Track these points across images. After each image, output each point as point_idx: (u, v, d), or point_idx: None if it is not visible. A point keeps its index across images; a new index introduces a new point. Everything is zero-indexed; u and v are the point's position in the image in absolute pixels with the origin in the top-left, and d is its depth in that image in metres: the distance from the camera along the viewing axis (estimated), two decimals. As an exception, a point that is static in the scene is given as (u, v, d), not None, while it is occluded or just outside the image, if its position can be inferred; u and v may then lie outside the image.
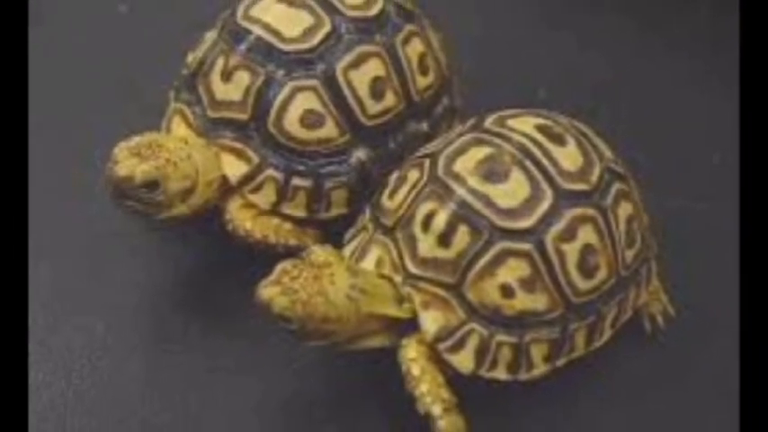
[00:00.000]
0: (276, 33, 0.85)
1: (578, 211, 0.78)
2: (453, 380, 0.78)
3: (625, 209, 0.80)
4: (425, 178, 0.79)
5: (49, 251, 0.89)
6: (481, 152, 0.78)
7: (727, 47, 0.94)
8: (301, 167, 0.85)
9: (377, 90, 0.86)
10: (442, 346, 0.77)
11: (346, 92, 0.85)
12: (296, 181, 0.85)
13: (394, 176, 0.82)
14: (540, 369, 0.79)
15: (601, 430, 0.81)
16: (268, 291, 0.75)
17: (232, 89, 0.85)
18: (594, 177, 0.79)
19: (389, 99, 0.87)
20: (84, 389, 0.83)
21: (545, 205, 0.77)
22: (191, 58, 0.89)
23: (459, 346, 0.77)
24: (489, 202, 0.76)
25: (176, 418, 0.82)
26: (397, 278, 0.78)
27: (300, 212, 0.86)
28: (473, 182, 0.77)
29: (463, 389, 0.78)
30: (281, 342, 0.79)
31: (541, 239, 0.77)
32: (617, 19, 1.09)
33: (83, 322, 0.86)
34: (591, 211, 0.78)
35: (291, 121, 0.85)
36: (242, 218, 0.85)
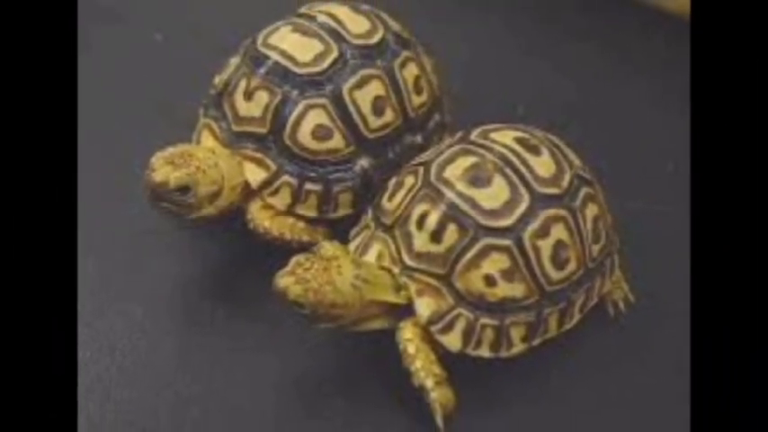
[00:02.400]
0: (291, 58, 0.85)
1: (551, 211, 0.78)
2: (444, 357, 0.78)
3: (592, 210, 0.80)
4: (420, 183, 0.79)
5: (95, 247, 0.89)
6: (468, 161, 0.78)
7: (679, 70, 0.93)
8: (313, 174, 0.85)
9: (378, 107, 0.86)
10: (434, 328, 0.77)
11: (351, 109, 0.85)
12: (308, 186, 0.86)
13: (392, 182, 0.82)
14: (519, 348, 0.79)
15: (570, 401, 0.81)
16: (284, 280, 0.75)
17: (253, 107, 0.85)
18: (565, 183, 0.79)
19: (389, 115, 0.87)
20: (125, 365, 0.83)
21: (523, 207, 0.77)
22: (217, 79, 0.89)
23: (448, 328, 0.77)
24: (475, 204, 0.77)
25: (205, 390, 0.82)
26: (396, 269, 0.78)
27: (312, 213, 0.86)
28: (461, 186, 0.77)
29: (452, 365, 0.78)
30: (296, 325, 0.79)
31: (520, 236, 0.77)
32: (585, 47, 1.09)
33: (124, 308, 0.86)
34: (562, 212, 0.78)
35: (304, 134, 0.85)
36: (261, 217, 0.86)
